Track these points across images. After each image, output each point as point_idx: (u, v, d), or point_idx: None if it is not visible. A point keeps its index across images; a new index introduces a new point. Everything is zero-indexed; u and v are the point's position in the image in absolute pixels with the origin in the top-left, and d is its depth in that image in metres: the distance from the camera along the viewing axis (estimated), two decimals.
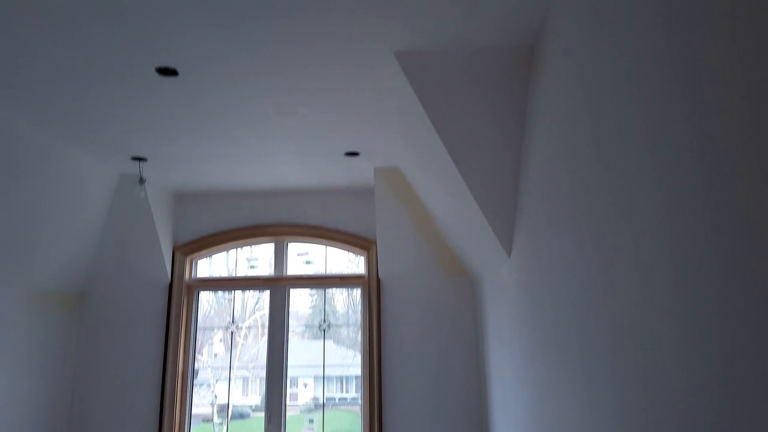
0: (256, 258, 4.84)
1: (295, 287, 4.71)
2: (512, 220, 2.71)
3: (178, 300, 4.56)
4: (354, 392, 4.67)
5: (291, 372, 4.58)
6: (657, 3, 1.17)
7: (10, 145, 3.06)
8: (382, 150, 3.69)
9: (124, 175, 4.18)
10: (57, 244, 3.91)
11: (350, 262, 4.80)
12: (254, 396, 4.72)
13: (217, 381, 4.72)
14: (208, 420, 4.67)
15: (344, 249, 4.76)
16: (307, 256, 4.81)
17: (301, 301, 4.79)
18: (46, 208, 3.60)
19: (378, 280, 4.46)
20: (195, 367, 4.65)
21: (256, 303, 4.87)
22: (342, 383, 4.74)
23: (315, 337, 4.72)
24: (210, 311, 4.87)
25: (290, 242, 4.81)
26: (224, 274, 4.84)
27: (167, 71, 2.50)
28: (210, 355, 4.84)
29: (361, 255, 4.73)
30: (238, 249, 4.85)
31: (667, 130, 1.14)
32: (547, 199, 2.14)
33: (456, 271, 4.37)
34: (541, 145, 2.20)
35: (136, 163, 3.84)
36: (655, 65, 1.19)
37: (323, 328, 4.69)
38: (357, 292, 4.74)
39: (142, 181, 3.86)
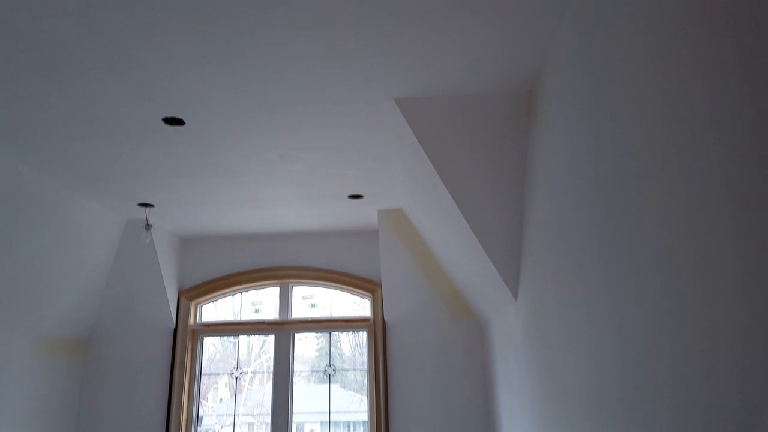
0: (260, 302, 4.81)
1: (300, 331, 4.66)
2: (517, 262, 2.69)
3: (182, 345, 4.52)
4: None
5: (297, 417, 4.48)
6: (652, 51, 1.19)
7: (18, 192, 3.11)
8: (386, 192, 3.72)
9: (130, 220, 4.22)
10: (63, 290, 3.92)
11: (355, 305, 4.76)
12: None
13: (222, 427, 4.62)
14: None
15: (349, 292, 4.73)
16: (312, 299, 4.78)
17: (306, 343, 4.73)
18: (52, 254, 3.62)
19: (383, 322, 4.41)
20: (199, 414, 4.56)
21: (262, 347, 4.82)
22: (349, 429, 4.63)
23: (321, 381, 4.64)
24: (215, 355, 4.81)
25: (295, 285, 4.79)
26: (229, 317, 4.80)
27: (174, 121, 2.55)
28: (215, 400, 4.75)
29: (366, 297, 4.70)
30: (243, 293, 4.83)
31: (667, 170, 1.15)
32: (551, 240, 2.13)
33: (463, 313, 4.31)
34: (543, 186, 2.21)
35: (143, 209, 3.88)
36: (651, 110, 1.21)
37: (329, 373, 4.61)
38: (363, 335, 4.68)
39: (148, 226, 3.89)
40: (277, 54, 2.02)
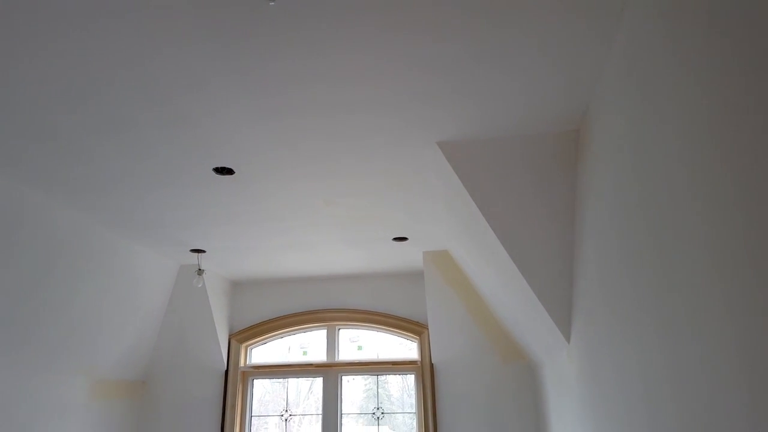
0: (308, 344, 4.83)
1: (348, 374, 4.63)
2: (569, 304, 2.60)
3: (233, 387, 4.58)
4: None
5: None
6: (701, 86, 1.16)
7: (78, 242, 3.28)
8: (430, 234, 3.70)
9: (183, 266, 4.36)
10: (120, 333, 4.06)
11: (402, 346, 4.69)
12: None
13: None
14: None
15: (395, 334, 4.68)
16: (359, 341, 4.75)
17: (354, 385, 4.68)
18: (110, 299, 3.78)
19: (431, 365, 4.32)
20: None
21: (310, 388, 4.80)
22: None
23: (369, 423, 4.56)
24: (265, 396, 4.83)
25: (341, 328, 4.78)
26: (278, 359, 4.83)
27: (224, 170, 2.65)
28: None
29: (413, 340, 4.63)
30: (291, 335, 4.86)
31: (718, 208, 1.09)
32: (603, 282, 2.05)
33: (513, 356, 4.18)
34: (593, 227, 2.14)
35: (195, 254, 4.01)
36: (700, 146, 1.16)
37: (377, 416, 4.53)
38: (410, 378, 4.60)
39: (200, 271, 4.01)
40: (320, 104, 2.08)
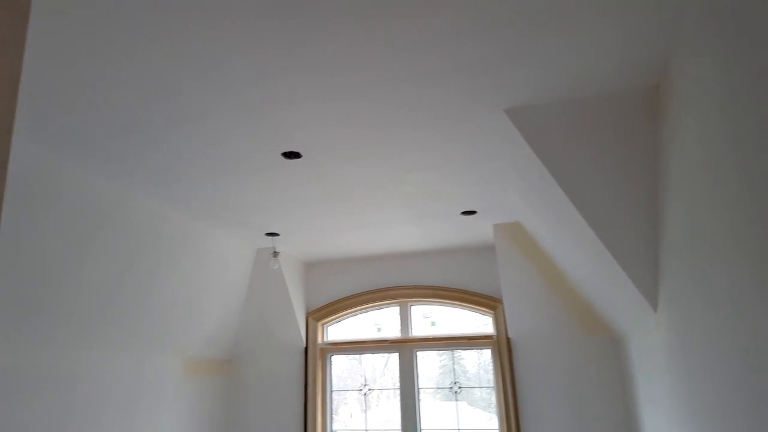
0: (382, 321, 4.90)
1: (422, 349, 4.66)
2: (655, 271, 2.46)
3: (313, 363, 4.75)
4: None
5: None
6: None
7: (165, 231, 3.48)
8: (500, 206, 3.61)
9: (260, 249, 4.53)
10: (206, 316, 4.30)
11: (476, 321, 4.65)
12: None
13: None
14: None
15: (469, 309, 4.65)
16: (432, 317, 4.76)
17: (429, 361, 4.71)
18: (197, 284, 4.00)
19: (508, 339, 4.26)
20: (333, 428, 4.74)
21: (386, 364, 4.89)
22: None
23: (447, 398, 4.58)
24: (343, 372, 4.97)
25: (413, 304, 4.81)
26: (354, 336, 4.94)
27: (292, 155, 2.70)
28: (346, 415, 4.89)
29: (487, 314, 4.58)
30: (365, 313, 4.95)
31: None
32: (694, 244, 1.92)
33: (595, 328, 4.03)
34: (680, 185, 1.99)
35: (270, 238, 4.15)
36: None
37: (455, 390, 4.55)
38: (486, 352, 4.56)
39: (275, 254, 4.15)
40: (383, 80, 2.06)
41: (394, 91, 2.14)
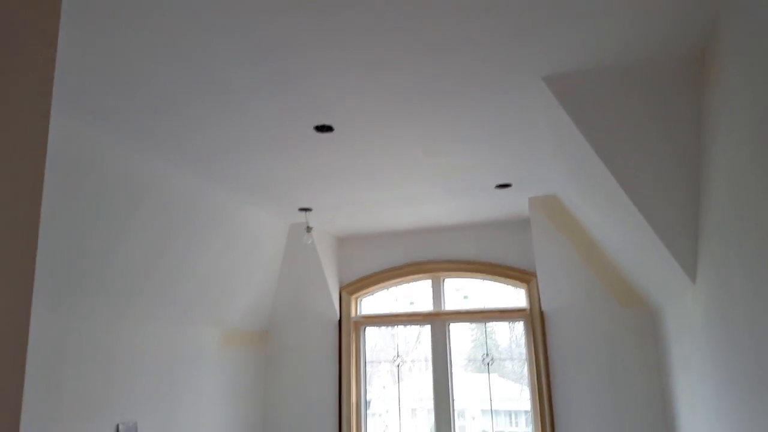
0: (414, 294, 4.95)
1: (455, 321, 4.69)
2: (694, 242, 2.41)
3: (347, 335, 4.85)
4: (524, 426, 4.46)
5: (458, 404, 4.55)
6: None
7: (201, 206, 3.57)
8: (536, 179, 3.56)
9: (293, 224, 4.61)
10: (243, 288, 4.42)
11: (509, 295, 4.65)
12: (424, 427, 4.75)
13: (387, 411, 4.86)
14: None
15: (501, 282, 4.64)
16: (464, 291, 4.78)
17: (461, 335, 4.75)
18: (233, 258, 4.10)
19: (541, 312, 4.25)
20: (367, 398, 4.86)
21: (418, 338, 4.95)
22: (510, 417, 4.56)
23: (478, 371, 4.63)
24: (376, 345, 5.06)
25: (446, 278, 4.83)
26: (387, 310, 5.00)
27: (324, 128, 2.70)
28: (379, 386, 5.00)
29: (520, 287, 4.56)
30: (398, 287, 5.00)
31: None
32: (737, 214, 1.87)
33: (630, 301, 3.98)
34: (725, 155, 1.93)
35: (303, 213, 4.20)
36: None
37: (487, 362, 4.58)
38: (519, 326, 4.56)
39: (309, 229, 4.21)
40: (416, 51, 2.04)
41: (426, 64, 2.12)
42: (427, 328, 4.76)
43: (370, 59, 2.08)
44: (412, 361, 4.89)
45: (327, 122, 2.65)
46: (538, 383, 4.18)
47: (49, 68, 0.88)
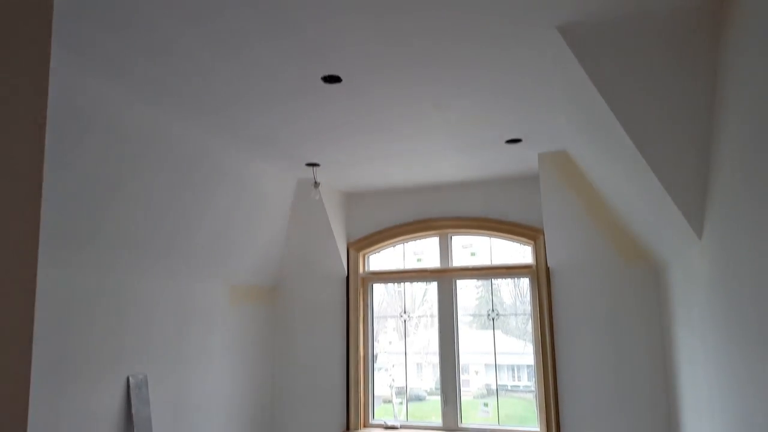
0: (422, 251, 4.99)
1: (462, 278, 4.75)
2: (703, 198, 2.41)
3: (355, 291, 4.93)
4: (526, 381, 4.58)
5: (462, 359, 4.66)
6: None
7: (207, 160, 3.58)
8: (546, 134, 3.53)
9: (300, 180, 4.61)
10: (250, 244, 4.47)
11: (516, 252, 4.68)
12: (429, 381, 4.89)
13: (393, 366, 4.99)
14: (387, 401, 4.96)
15: (509, 239, 4.66)
16: (471, 248, 4.81)
17: (466, 292, 4.82)
18: (240, 213, 4.14)
19: (547, 269, 4.29)
20: (374, 352, 4.98)
21: (424, 294, 5.02)
22: (513, 371, 4.68)
23: (483, 327, 4.72)
24: (383, 301, 5.15)
25: (454, 235, 4.86)
26: (394, 266, 5.06)
27: (331, 79, 2.67)
28: (385, 341, 5.11)
29: (527, 244, 4.59)
30: (405, 243, 5.04)
31: None
32: (747, 172, 1.86)
33: (636, 258, 4.00)
34: (738, 111, 1.91)
35: (310, 168, 4.20)
36: None
37: (492, 318, 4.66)
38: (523, 282, 4.61)
39: (316, 184, 4.22)
40: None
41: (437, 10, 2.07)
42: (434, 284, 4.82)
43: (379, 4, 2.03)
44: (419, 317, 4.98)
45: (335, 72, 2.61)
46: (541, 338, 4.26)
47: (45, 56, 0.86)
